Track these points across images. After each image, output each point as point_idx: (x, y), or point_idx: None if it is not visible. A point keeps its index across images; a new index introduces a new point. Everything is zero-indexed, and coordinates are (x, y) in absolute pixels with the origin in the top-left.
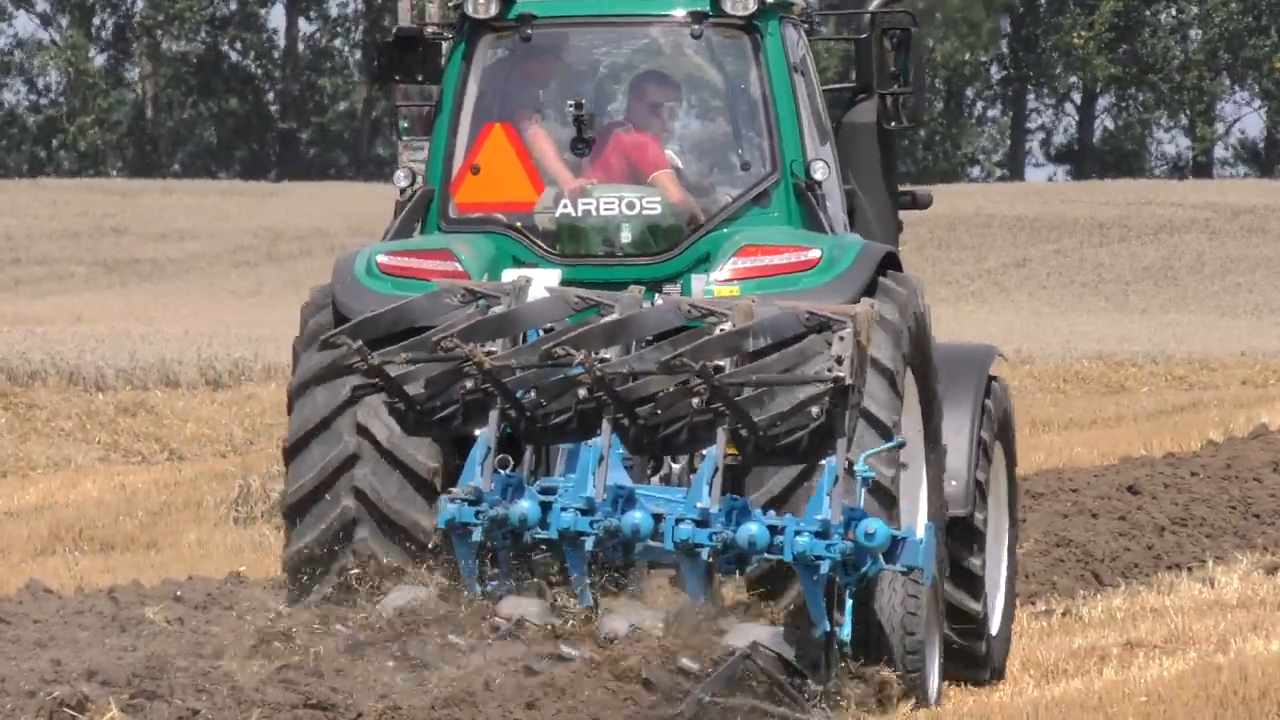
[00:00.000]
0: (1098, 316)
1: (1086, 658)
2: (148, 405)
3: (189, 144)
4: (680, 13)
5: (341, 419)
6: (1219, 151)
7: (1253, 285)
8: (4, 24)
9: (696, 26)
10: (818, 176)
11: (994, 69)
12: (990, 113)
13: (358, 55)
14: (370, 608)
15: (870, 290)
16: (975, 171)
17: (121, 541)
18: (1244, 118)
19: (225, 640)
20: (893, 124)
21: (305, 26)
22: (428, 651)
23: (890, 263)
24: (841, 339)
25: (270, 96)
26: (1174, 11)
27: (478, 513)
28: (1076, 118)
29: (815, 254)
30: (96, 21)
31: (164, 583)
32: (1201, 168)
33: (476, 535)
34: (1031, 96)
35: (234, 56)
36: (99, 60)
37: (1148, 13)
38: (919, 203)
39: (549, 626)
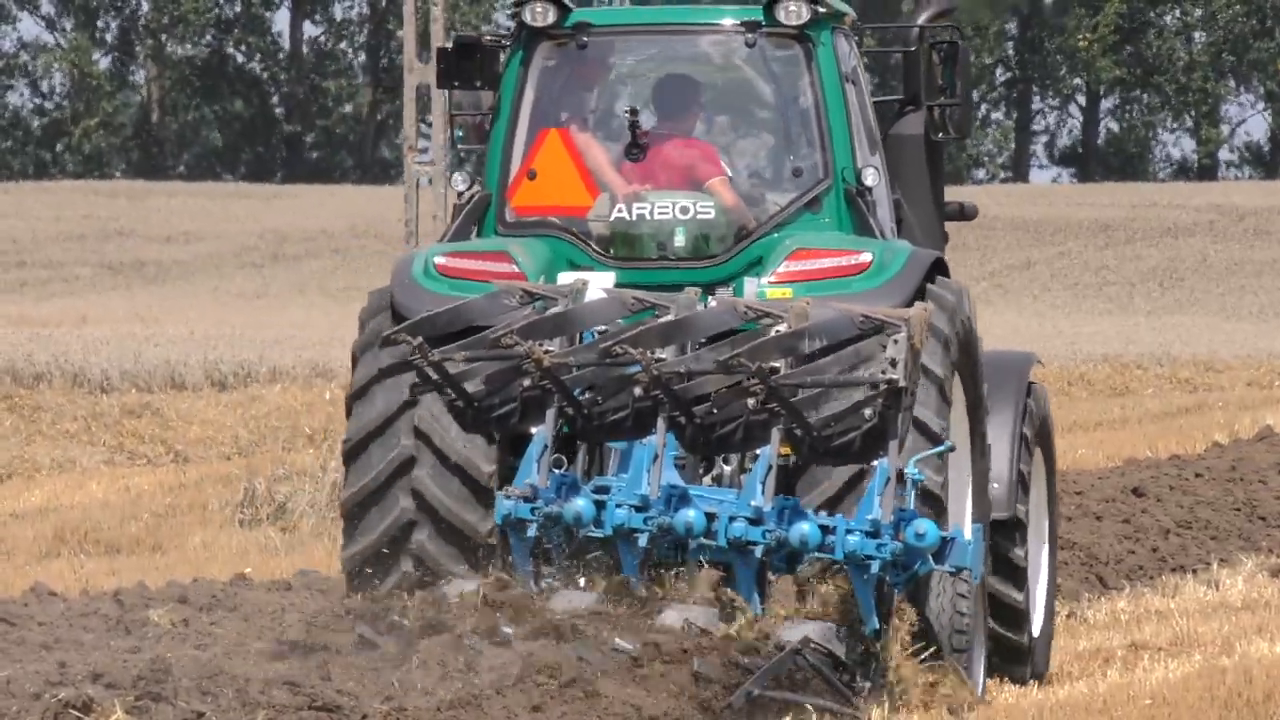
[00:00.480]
0: (1102, 319)
1: (1091, 660)
2: (153, 407)
3: (194, 146)
4: (733, 22)
5: (400, 422)
6: (1224, 154)
7: (1258, 288)
8: (8, 26)
9: (750, 36)
10: (868, 183)
11: (999, 71)
12: (995, 115)
13: (362, 58)
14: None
15: (920, 295)
16: (980, 174)
17: (126, 544)
18: (1248, 120)
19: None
20: (940, 135)
21: (310, 29)
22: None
23: (939, 268)
24: (896, 341)
25: (275, 99)
26: (1178, 14)
27: (533, 509)
28: (1081, 120)
29: (866, 258)
30: (101, 24)
31: (169, 585)
32: (1206, 170)
33: (531, 532)
34: (1036, 99)
35: (239, 59)
36: (103, 63)
37: (1152, 14)
38: (965, 213)
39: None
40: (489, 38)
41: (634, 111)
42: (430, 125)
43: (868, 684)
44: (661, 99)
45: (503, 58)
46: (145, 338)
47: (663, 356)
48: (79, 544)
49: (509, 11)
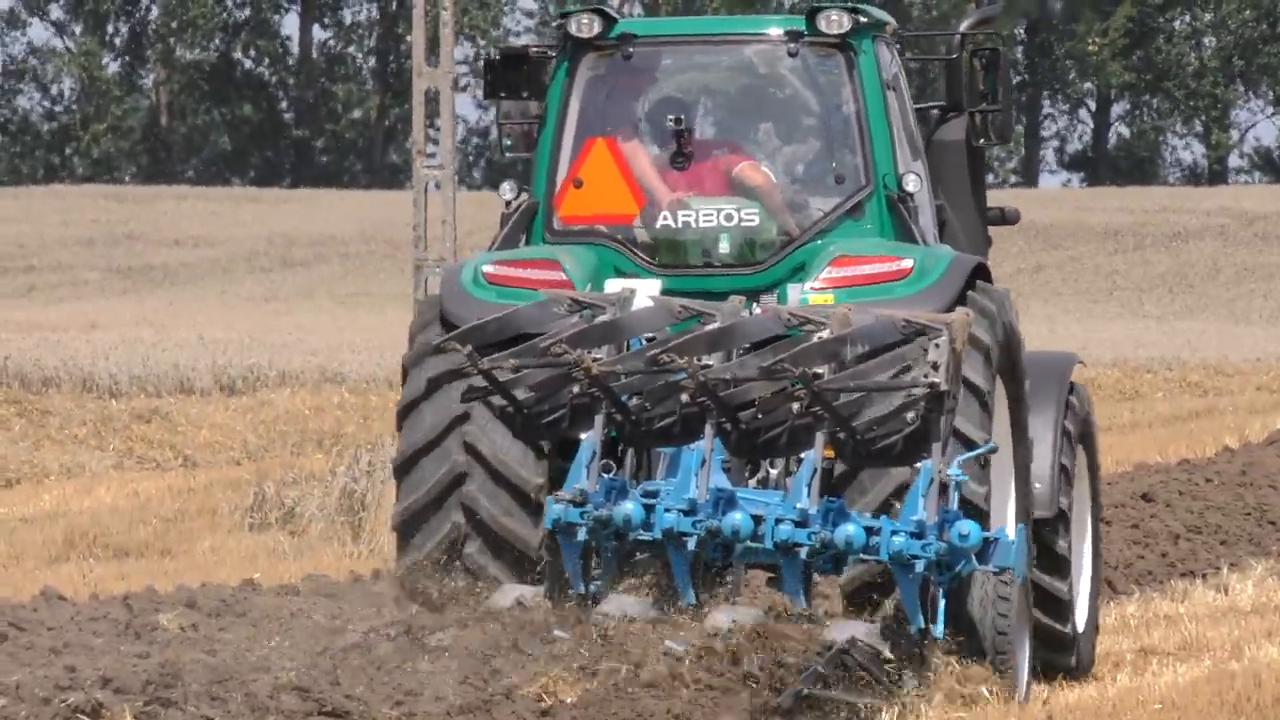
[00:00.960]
0: (1112, 323)
1: (1100, 664)
2: (161, 412)
3: (203, 151)
4: (776, 31)
5: (451, 437)
6: (1233, 159)
7: (1268, 291)
8: (18, 32)
9: (792, 45)
10: (910, 189)
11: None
12: None
13: (372, 62)
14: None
15: (961, 300)
16: (990, 178)
17: (136, 548)
18: (1258, 125)
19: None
20: (981, 141)
21: (319, 34)
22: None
23: (980, 274)
24: (937, 346)
25: (284, 104)
26: (1188, 19)
27: (583, 514)
28: (1091, 125)
29: (908, 264)
30: (110, 29)
31: (178, 589)
32: (1216, 175)
33: (581, 535)
34: (1046, 103)
35: (247, 64)
36: (112, 67)
37: (1162, 20)
38: (1007, 218)
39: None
40: (535, 48)
41: (678, 120)
42: (439, 130)
43: (914, 682)
44: (705, 108)
45: (549, 68)
46: (154, 342)
47: (709, 363)
48: (88, 548)
49: (555, 23)
